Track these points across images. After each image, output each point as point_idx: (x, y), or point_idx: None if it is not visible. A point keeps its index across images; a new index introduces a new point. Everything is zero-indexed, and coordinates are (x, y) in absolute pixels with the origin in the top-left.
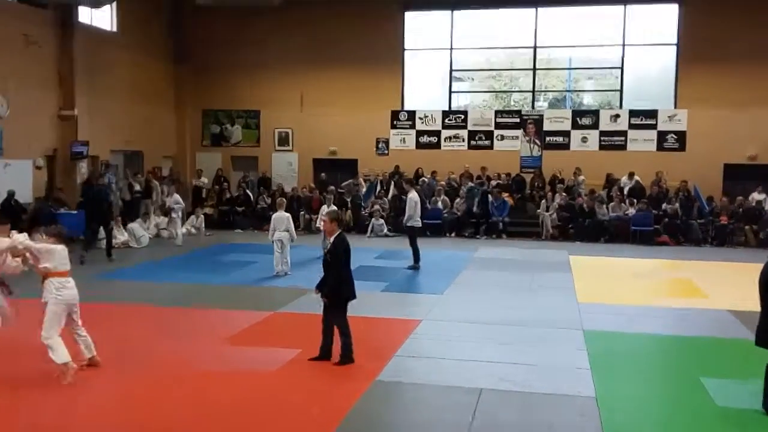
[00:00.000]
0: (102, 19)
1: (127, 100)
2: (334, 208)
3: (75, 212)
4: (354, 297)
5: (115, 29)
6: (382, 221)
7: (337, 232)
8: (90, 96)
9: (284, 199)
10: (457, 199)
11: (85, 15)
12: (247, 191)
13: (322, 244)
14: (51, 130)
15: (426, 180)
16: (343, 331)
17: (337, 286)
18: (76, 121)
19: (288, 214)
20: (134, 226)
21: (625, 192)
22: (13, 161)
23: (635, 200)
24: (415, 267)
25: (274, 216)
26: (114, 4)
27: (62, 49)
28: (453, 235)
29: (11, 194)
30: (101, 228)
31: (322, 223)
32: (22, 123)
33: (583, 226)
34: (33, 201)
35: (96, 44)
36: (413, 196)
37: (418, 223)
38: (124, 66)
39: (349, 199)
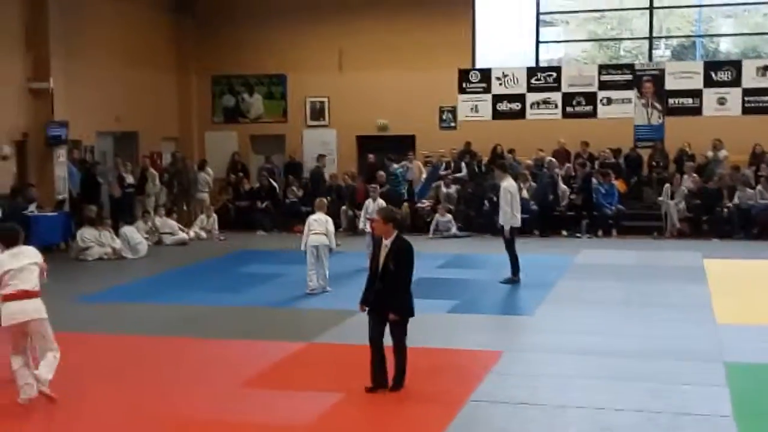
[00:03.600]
0: None
1: (116, 65)
2: (382, 203)
3: (53, 214)
4: (414, 314)
5: None
6: (449, 217)
7: (394, 235)
8: (68, 62)
9: (325, 200)
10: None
11: None
12: (271, 181)
13: (367, 250)
14: (19, 108)
15: (510, 161)
16: (402, 350)
17: (406, 300)
18: (51, 96)
19: (328, 218)
20: (128, 230)
21: None
22: None
23: None
24: (514, 280)
25: (310, 219)
26: None
27: (32, 0)
28: (540, 233)
29: None
30: None
31: (368, 223)
32: None
33: (722, 217)
34: None
35: None
36: (509, 185)
37: (517, 222)
38: (111, 21)
39: (405, 189)
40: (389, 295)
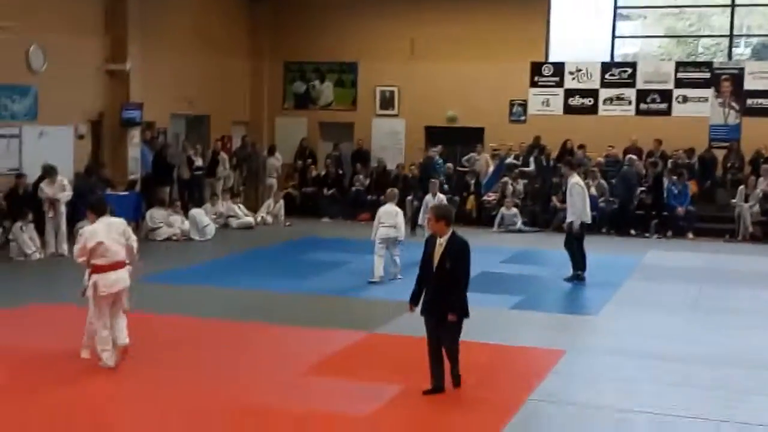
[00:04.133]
0: None
1: (190, 49)
2: (442, 198)
3: (125, 193)
4: (469, 314)
5: None
6: (515, 211)
7: (449, 233)
8: (145, 45)
9: (396, 190)
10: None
11: None
12: (339, 168)
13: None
14: (96, 89)
15: (580, 157)
16: (456, 352)
17: (464, 301)
18: (127, 78)
19: (399, 210)
20: (197, 212)
21: None
22: (49, 128)
23: None
24: (580, 277)
25: (381, 210)
26: None
27: None
28: (613, 232)
29: (49, 170)
30: None
31: (426, 220)
32: (61, 80)
33: None
34: (73, 178)
35: None
36: (577, 182)
37: (588, 218)
38: (187, 6)
39: (472, 181)
40: (446, 295)
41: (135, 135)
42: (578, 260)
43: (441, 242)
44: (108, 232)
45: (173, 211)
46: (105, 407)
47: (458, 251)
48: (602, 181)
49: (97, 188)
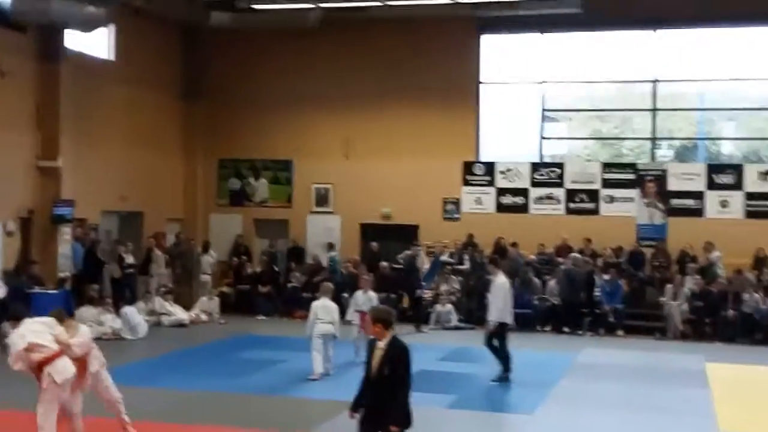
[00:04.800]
0: (95, 45)
1: (124, 146)
2: (372, 297)
3: (55, 291)
4: (411, 423)
5: (111, 57)
6: (450, 307)
7: (390, 336)
8: (77, 141)
9: (331, 285)
10: (551, 282)
11: (74, 40)
12: (273, 266)
13: (356, 343)
14: (27, 185)
15: (515, 255)
16: None
17: (407, 410)
18: (59, 174)
19: (335, 305)
20: (129, 310)
21: None
22: None
23: None
24: (505, 378)
25: (316, 305)
26: (110, 28)
27: (44, 81)
28: (548, 329)
29: None
30: None
31: (355, 316)
32: None
33: (724, 320)
34: (2, 275)
35: (86, 76)
36: (502, 282)
37: (509, 319)
38: (121, 103)
39: (412, 277)
40: (387, 404)
41: (66, 232)
42: (503, 360)
43: (380, 346)
44: (33, 332)
45: (104, 309)
46: None
47: (397, 356)
48: (535, 279)
49: (27, 287)
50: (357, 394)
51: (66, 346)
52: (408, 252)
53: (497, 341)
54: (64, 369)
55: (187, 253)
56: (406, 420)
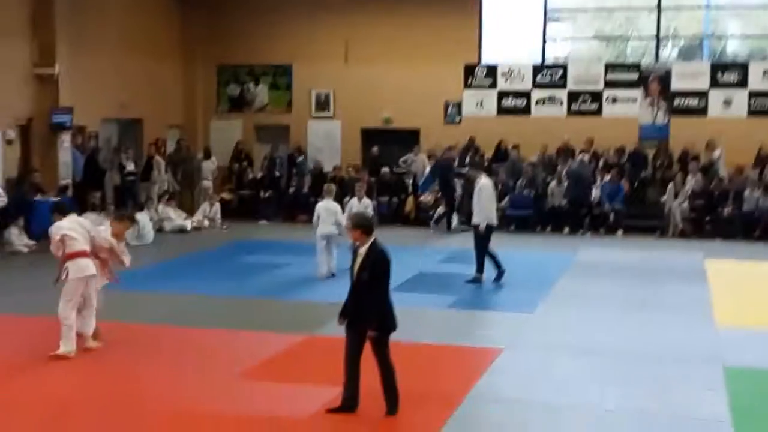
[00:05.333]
0: None
1: (122, 53)
2: (368, 204)
3: (56, 199)
4: (396, 327)
5: None
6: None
7: (370, 241)
8: (74, 47)
9: (333, 186)
10: (552, 183)
11: None
12: (275, 171)
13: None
14: (25, 94)
15: (514, 157)
16: (389, 370)
17: (384, 315)
18: (57, 82)
19: (338, 205)
20: (141, 217)
21: None
22: None
23: None
24: (478, 279)
25: (320, 205)
26: None
27: None
28: (548, 230)
29: None
30: None
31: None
32: None
33: (724, 218)
34: (5, 184)
35: None
36: (484, 183)
37: (494, 221)
38: (118, 8)
39: (410, 182)
40: (365, 309)
41: (65, 140)
42: (479, 261)
43: (361, 252)
44: (70, 227)
45: (106, 216)
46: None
47: (375, 261)
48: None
49: (29, 194)
50: (345, 300)
51: (106, 244)
52: (410, 155)
53: (482, 242)
54: (82, 268)
55: (188, 159)
56: (384, 324)
